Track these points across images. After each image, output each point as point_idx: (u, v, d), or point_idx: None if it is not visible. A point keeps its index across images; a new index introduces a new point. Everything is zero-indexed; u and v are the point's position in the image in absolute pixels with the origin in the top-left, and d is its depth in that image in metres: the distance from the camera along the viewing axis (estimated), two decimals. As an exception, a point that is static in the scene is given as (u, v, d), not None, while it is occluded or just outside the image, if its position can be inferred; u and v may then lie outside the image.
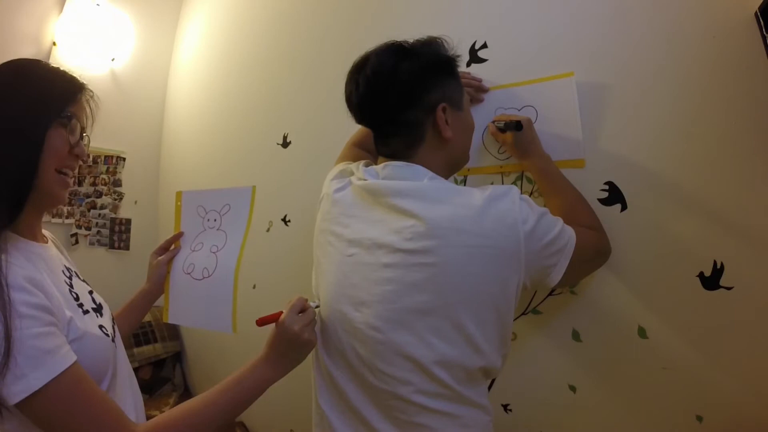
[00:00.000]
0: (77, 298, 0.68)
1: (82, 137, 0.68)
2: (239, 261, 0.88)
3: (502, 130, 0.91)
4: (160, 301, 0.95)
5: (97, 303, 0.74)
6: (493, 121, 0.93)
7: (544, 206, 0.79)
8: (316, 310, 0.75)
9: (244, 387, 0.68)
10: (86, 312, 0.68)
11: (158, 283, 0.93)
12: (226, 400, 0.66)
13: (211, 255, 0.91)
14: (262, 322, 0.72)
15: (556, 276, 0.71)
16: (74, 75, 0.69)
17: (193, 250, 0.93)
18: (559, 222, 0.73)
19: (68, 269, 0.72)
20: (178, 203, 0.97)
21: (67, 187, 0.68)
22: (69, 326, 0.62)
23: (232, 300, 0.86)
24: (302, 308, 0.71)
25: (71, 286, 0.69)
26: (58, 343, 0.58)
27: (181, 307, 0.92)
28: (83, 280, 0.75)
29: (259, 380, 0.69)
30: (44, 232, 0.73)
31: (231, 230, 0.92)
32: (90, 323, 0.67)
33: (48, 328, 0.57)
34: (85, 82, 0.70)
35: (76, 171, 0.69)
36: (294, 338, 0.69)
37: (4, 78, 0.64)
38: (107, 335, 0.69)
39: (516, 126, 0.87)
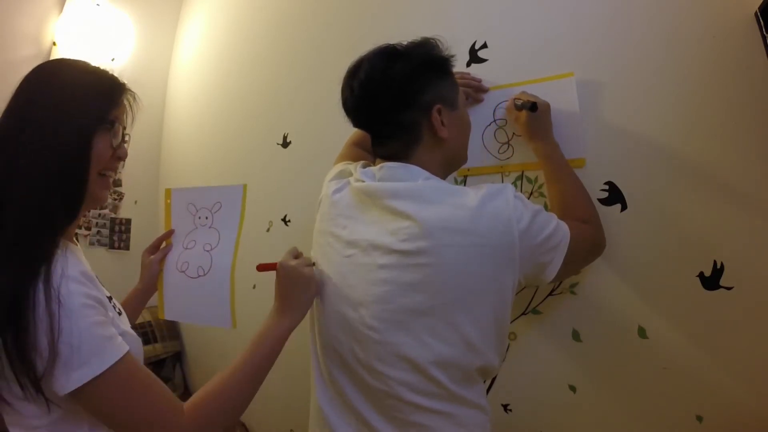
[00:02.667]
0: (110, 299, 0.69)
1: (123, 138, 0.67)
2: (234, 260, 0.89)
3: (518, 108, 0.92)
4: (153, 301, 0.94)
5: (118, 309, 0.75)
6: (514, 99, 0.93)
7: (546, 205, 0.79)
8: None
9: (268, 341, 0.71)
10: (120, 313, 0.70)
11: (151, 282, 0.93)
12: (257, 360, 0.69)
13: (205, 253, 0.91)
14: (261, 267, 0.79)
15: (551, 273, 0.71)
16: (114, 75, 0.68)
17: (186, 248, 0.93)
18: (554, 219, 0.73)
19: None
20: (168, 201, 0.97)
21: (108, 188, 0.67)
22: (113, 323, 0.63)
23: (230, 297, 0.88)
24: (297, 255, 0.79)
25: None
26: (114, 332, 0.60)
27: (176, 304, 0.93)
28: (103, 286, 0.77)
29: (278, 330, 0.72)
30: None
31: (223, 228, 0.92)
32: (124, 323, 0.70)
33: (104, 318, 0.59)
34: (125, 82, 0.68)
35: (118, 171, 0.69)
36: (293, 272, 0.74)
37: (48, 82, 0.62)
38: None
39: (531, 107, 0.88)
